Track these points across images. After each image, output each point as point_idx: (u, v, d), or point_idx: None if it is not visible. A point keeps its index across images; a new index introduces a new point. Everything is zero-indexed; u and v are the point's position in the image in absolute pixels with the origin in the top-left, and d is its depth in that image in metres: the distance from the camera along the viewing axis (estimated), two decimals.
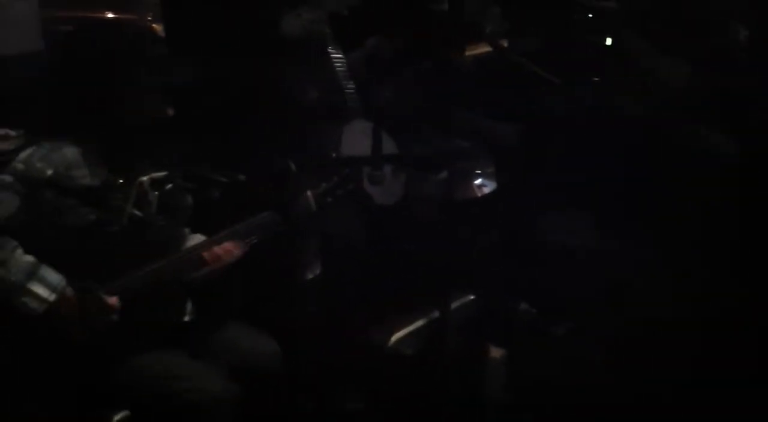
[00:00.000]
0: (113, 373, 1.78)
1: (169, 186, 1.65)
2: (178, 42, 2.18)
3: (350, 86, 2.39)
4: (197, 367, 1.82)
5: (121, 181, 1.66)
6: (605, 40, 2.56)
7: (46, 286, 1.70)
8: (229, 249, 1.83)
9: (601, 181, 2.42)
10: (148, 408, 1.80)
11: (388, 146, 2.30)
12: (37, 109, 2.41)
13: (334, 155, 2.11)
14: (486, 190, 2.32)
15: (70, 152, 1.78)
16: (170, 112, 1.79)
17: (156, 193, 1.80)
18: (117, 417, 1.79)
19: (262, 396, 1.91)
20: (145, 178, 1.66)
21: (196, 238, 1.95)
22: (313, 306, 2.09)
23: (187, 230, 1.98)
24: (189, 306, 1.93)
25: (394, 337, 2.11)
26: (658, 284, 2.39)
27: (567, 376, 2.27)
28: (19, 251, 1.71)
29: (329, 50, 2.42)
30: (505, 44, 2.41)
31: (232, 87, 2.23)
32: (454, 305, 2.25)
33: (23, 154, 1.78)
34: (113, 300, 1.74)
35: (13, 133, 2.38)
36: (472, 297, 2.28)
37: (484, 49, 2.56)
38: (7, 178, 1.74)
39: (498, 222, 2.48)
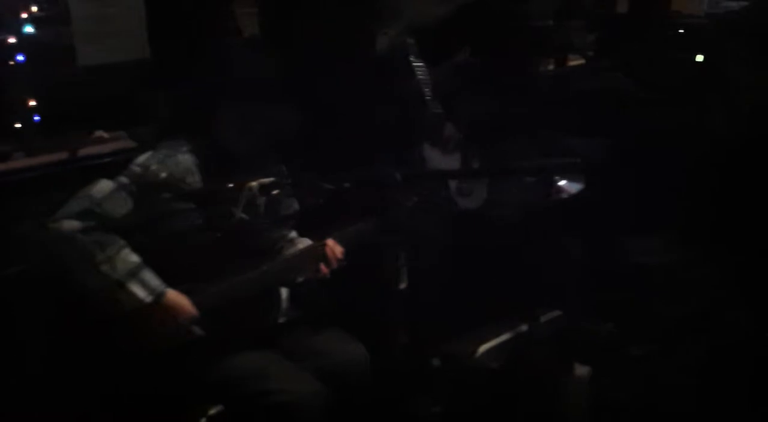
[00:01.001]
0: (209, 369, 1.84)
1: (276, 191, 1.71)
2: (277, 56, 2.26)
3: (434, 97, 2.43)
4: (290, 368, 1.88)
5: (230, 185, 1.73)
6: (696, 56, 2.54)
7: (145, 287, 1.78)
8: (331, 255, 1.90)
9: (687, 200, 2.39)
10: (240, 405, 1.85)
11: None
12: (141, 115, 2.55)
13: (426, 167, 2.16)
14: (569, 196, 2.32)
15: (184, 159, 1.87)
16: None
17: (264, 198, 1.88)
18: (211, 412, 1.86)
19: (348, 401, 1.94)
20: (254, 184, 1.73)
21: (303, 242, 2.03)
22: (399, 314, 2.12)
23: (294, 233, 2.05)
24: (284, 307, 1.99)
25: (481, 349, 2.12)
26: (743, 306, 2.34)
27: (648, 400, 2.23)
28: (126, 250, 1.79)
29: (412, 61, 2.47)
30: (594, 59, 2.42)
31: (327, 99, 2.30)
32: (541, 320, 2.25)
33: (141, 158, 1.88)
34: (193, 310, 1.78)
35: (106, 135, 2.52)
36: (557, 312, 2.28)
37: (574, 62, 2.57)
38: (124, 180, 1.84)
39: (581, 239, 2.47)
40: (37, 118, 2.61)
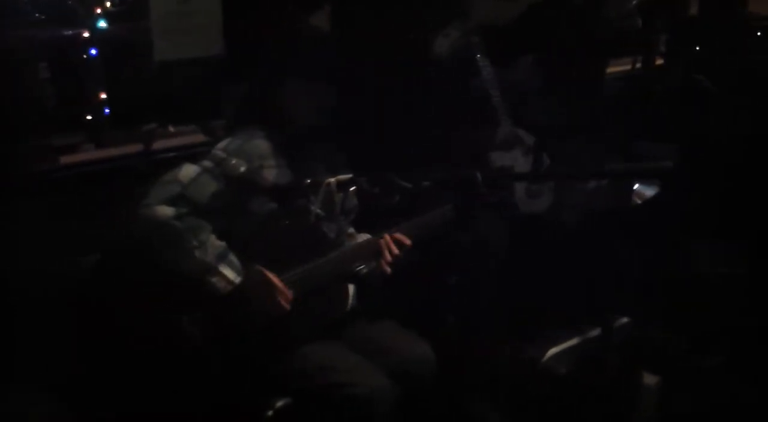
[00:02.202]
0: (278, 360, 1.85)
1: (353, 188, 1.71)
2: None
3: (501, 97, 2.41)
4: (359, 362, 1.88)
5: (308, 180, 1.75)
6: None
7: (233, 269, 1.81)
8: (399, 246, 1.89)
9: (762, 208, 2.32)
10: (308, 397, 1.85)
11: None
12: (211, 109, 2.58)
13: (497, 168, 2.14)
14: (641, 200, 2.27)
15: (262, 144, 1.92)
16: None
17: (341, 194, 1.89)
18: (279, 404, 1.85)
19: (412, 400, 1.94)
20: (332, 180, 1.74)
21: (362, 237, 2.03)
22: (461, 313, 2.11)
23: (352, 229, 2.06)
24: (352, 302, 1.99)
25: (549, 353, 2.09)
26: None
27: (717, 411, 2.17)
28: (213, 235, 1.83)
29: (478, 60, 2.45)
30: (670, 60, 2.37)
31: (393, 96, 2.31)
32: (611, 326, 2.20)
33: (222, 143, 1.92)
34: (287, 288, 1.81)
35: (172, 129, 2.56)
36: (626, 319, 2.23)
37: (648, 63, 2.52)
38: (207, 164, 1.87)
39: (651, 245, 2.42)
40: (107, 110, 2.68)
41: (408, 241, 1.92)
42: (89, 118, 2.61)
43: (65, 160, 2.49)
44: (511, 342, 2.08)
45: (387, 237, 1.91)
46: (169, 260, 1.79)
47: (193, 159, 1.90)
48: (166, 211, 1.78)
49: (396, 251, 1.89)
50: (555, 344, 2.11)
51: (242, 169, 1.83)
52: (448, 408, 2.01)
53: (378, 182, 1.59)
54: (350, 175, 1.73)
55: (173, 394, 1.83)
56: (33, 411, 1.78)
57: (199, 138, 2.55)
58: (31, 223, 2.17)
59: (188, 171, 1.85)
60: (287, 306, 1.82)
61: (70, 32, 2.60)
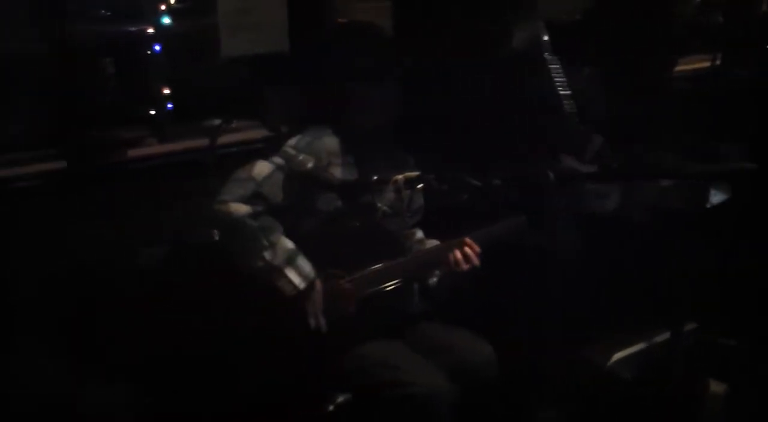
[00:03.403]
0: (341, 356, 1.86)
1: (421, 185, 1.71)
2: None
3: (568, 94, 2.37)
4: (421, 362, 1.87)
5: (375, 177, 1.75)
6: None
7: (299, 274, 1.81)
8: (469, 254, 1.88)
9: None
10: (369, 394, 1.85)
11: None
12: (273, 105, 2.61)
13: (566, 167, 2.11)
14: (712, 204, 2.20)
15: (330, 142, 1.92)
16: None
17: (408, 191, 1.88)
18: (339, 400, 1.85)
19: (473, 401, 1.92)
20: (400, 177, 1.73)
21: (431, 243, 2.02)
22: (526, 316, 2.08)
23: (420, 233, 2.05)
24: (415, 301, 1.99)
25: (614, 357, 2.05)
26: None
27: None
28: (283, 236, 1.83)
29: (547, 58, 2.42)
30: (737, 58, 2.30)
31: (458, 93, 2.29)
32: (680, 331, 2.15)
33: (292, 140, 1.92)
34: (353, 290, 1.83)
35: (217, 121, 2.58)
36: (693, 325, 2.18)
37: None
38: (279, 161, 1.88)
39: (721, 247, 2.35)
40: (170, 105, 2.73)
41: (478, 250, 1.89)
42: (152, 113, 2.67)
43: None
44: (576, 346, 2.04)
45: (461, 248, 1.88)
46: (239, 257, 1.80)
47: (264, 155, 1.91)
48: (242, 208, 1.79)
49: (474, 262, 1.87)
50: (621, 348, 2.07)
51: (309, 165, 1.83)
52: (508, 411, 1.99)
53: (447, 180, 1.58)
54: (418, 173, 1.73)
55: (237, 385, 1.86)
56: (105, 398, 1.82)
57: (261, 134, 2.60)
58: (98, 215, 2.23)
59: (262, 168, 1.85)
60: (352, 310, 1.83)
61: (135, 28, 2.65)
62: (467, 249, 1.88)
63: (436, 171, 1.60)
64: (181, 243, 2.06)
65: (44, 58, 2.38)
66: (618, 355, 2.03)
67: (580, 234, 2.14)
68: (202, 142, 2.57)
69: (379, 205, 1.85)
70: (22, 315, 1.96)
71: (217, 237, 1.85)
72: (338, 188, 1.83)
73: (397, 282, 1.85)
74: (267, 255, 1.78)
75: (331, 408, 1.84)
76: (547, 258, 2.10)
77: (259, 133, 2.54)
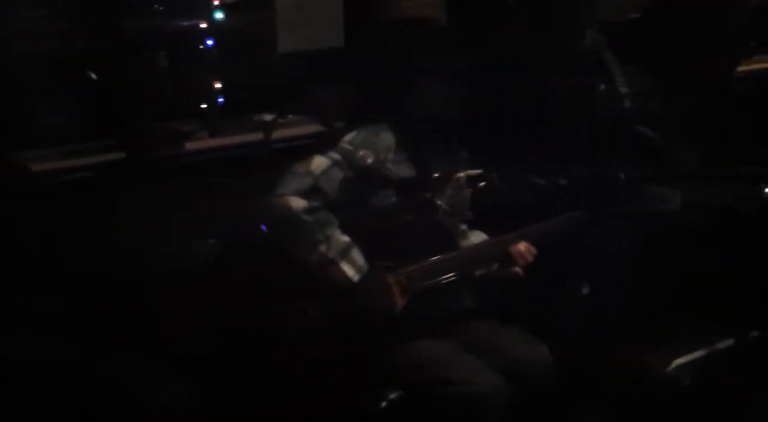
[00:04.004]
0: (394, 353, 1.84)
1: (483, 183, 1.68)
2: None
3: (628, 93, 2.33)
4: (472, 361, 1.84)
5: (436, 174, 1.73)
6: None
7: (353, 267, 1.82)
8: (523, 250, 1.85)
9: None
10: (419, 392, 1.83)
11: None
12: (324, 102, 2.61)
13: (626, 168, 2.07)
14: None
15: (387, 137, 1.91)
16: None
17: (470, 189, 1.87)
18: (392, 396, 1.83)
19: (526, 402, 1.89)
20: (462, 174, 1.71)
21: (477, 235, 2.00)
22: (582, 319, 2.04)
23: (464, 226, 2.02)
24: (467, 299, 1.95)
25: (674, 364, 1.99)
26: None
27: None
28: (339, 230, 1.83)
29: (606, 58, 2.38)
30: None
31: (517, 92, 2.26)
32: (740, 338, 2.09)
33: (348, 136, 1.93)
34: (407, 283, 1.81)
35: (268, 116, 2.59)
36: (757, 332, 2.11)
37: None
38: (336, 156, 1.88)
39: None
40: (221, 99, 2.74)
41: (534, 248, 1.86)
42: (203, 106, 2.68)
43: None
44: (635, 351, 2.00)
45: (518, 243, 1.85)
46: (294, 250, 1.81)
47: (320, 151, 1.90)
48: (299, 203, 1.80)
49: (529, 258, 1.85)
50: (681, 355, 2.01)
51: (370, 160, 1.83)
52: (561, 414, 1.96)
53: (511, 179, 1.55)
54: (480, 171, 1.70)
55: (289, 379, 1.85)
56: (162, 386, 1.84)
57: (313, 129, 2.59)
58: (155, 207, 2.25)
59: (319, 163, 1.86)
60: (404, 304, 1.81)
61: (188, 23, 2.68)
62: (521, 246, 1.85)
63: (499, 169, 1.57)
64: (236, 236, 2.07)
65: (101, 52, 2.42)
66: (678, 362, 1.98)
67: (641, 236, 2.10)
68: (255, 136, 2.60)
69: (439, 202, 1.84)
70: (78, 308, 1.99)
71: (272, 231, 1.86)
72: (397, 184, 1.82)
73: (449, 277, 1.84)
74: (322, 248, 1.79)
75: (383, 404, 1.83)
76: (607, 259, 2.07)
77: (311, 128, 2.55)
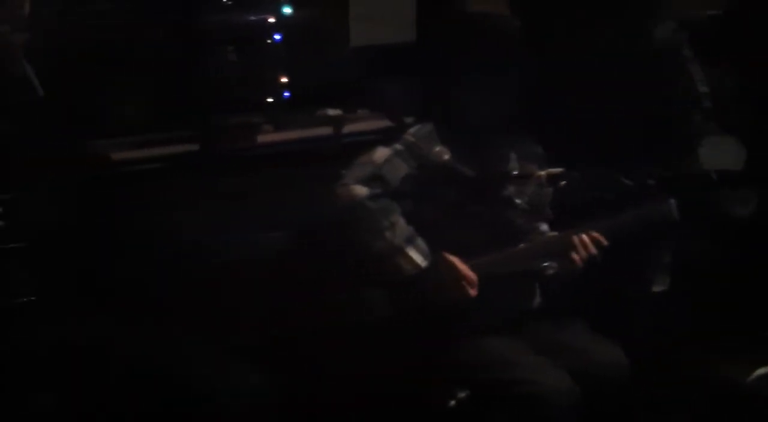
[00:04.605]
0: (460, 350, 1.81)
1: (564, 182, 1.64)
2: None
3: (707, 92, 2.25)
4: (541, 361, 1.81)
5: (515, 172, 1.70)
6: None
7: (420, 253, 1.81)
8: (592, 245, 1.79)
9: None
10: (487, 391, 1.80)
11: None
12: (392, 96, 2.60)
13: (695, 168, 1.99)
14: None
15: (452, 132, 1.88)
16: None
17: (549, 188, 1.84)
18: (462, 395, 1.80)
19: (598, 405, 1.84)
20: (542, 173, 1.68)
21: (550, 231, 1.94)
22: (655, 321, 1.98)
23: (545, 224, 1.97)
24: (537, 299, 1.93)
25: (756, 373, 1.91)
26: None
27: None
28: (402, 218, 1.83)
29: (685, 54, 2.30)
30: None
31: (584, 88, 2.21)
32: None
33: (412, 129, 1.93)
34: (474, 274, 1.79)
35: (340, 113, 2.58)
36: None
37: None
38: (399, 147, 1.88)
39: None
40: (287, 94, 2.76)
41: (604, 241, 1.81)
42: (269, 100, 2.70)
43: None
44: (713, 359, 1.92)
45: (582, 234, 1.80)
46: (360, 238, 1.81)
47: (385, 142, 1.91)
48: (362, 190, 1.81)
49: (592, 250, 1.79)
50: (764, 364, 1.93)
51: (446, 156, 1.81)
52: (632, 418, 1.90)
53: (595, 178, 1.50)
54: (562, 169, 1.66)
55: (357, 371, 1.84)
56: (229, 376, 1.85)
57: (380, 124, 2.56)
58: (223, 198, 2.28)
59: (382, 153, 1.88)
60: (473, 292, 1.79)
61: (256, 17, 2.70)
62: (584, 237, 1.79)
63: (585, 168, 1.52)
64: (304, 227, 2.08)
65: (172, 44, 2.46)
66: (760, 371, 1.89)
67: (719, 239, 2.02)
68: (321, 130, 2.60)
69: (518, 201, 1.81)
70: (152, 298, 2.02)
71: (337, 219, 1.86)
72: (473, 180, 1.79)
73: (516, 270, 1.81)
74: (388, 234, 1.79)
75: (452, 403, 1.79)
76: (683, 261, 2.00)
77: (379, 123, 2.52)
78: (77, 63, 2.29)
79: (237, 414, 1.81)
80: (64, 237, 1.93)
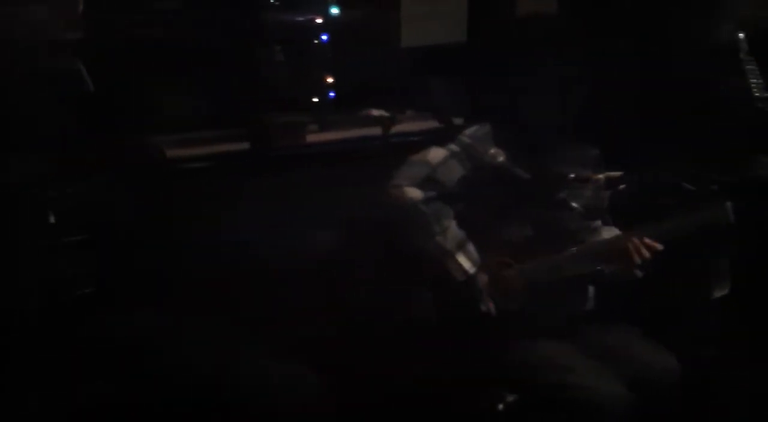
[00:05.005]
0: (510, 352, 1.78)
1: (623, 186, 1.62)
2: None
3: (764, 99, 2.20)
4: (593, 365, 1.75)
5: (572, 175, 1.68)
6: None
7: (469, 259, 1.78)
8: (642, 245, 1.73)
9: None
10: (538, 394, 1.76)
11: None
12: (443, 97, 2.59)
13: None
14: None
15: (509, 134, 1.85)
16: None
17: (608, 191, 1.81)
18: (511, 398, 1.76)
19: (646, 411, 1.81)
20: (601, 176, 1.66)
21: (610, 231, 1.91)
22: (716, 327, 1.93)
23: (599, 222, 1.93)
24: (590, 303, 1.89)
25: None
26: None
27: None
28: (454, 222, 1.81)
29: (743, 59, 2.26)
30: None
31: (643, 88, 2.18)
32: None
33: (469, 130, 1.89)
34: (523, 280, 1.78)
35: (386, 114, 2.59)
36: None
37: None
38: (455, 148, 1.85)
39: None
40: (332, 94, 2.77)
41: (659, 246, 1.75)
42: (315, 100, 2.72)
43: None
44: None
45: (639, 239, 1.74)
46: (411, 241, 1.79)
47: (439, 143, 1.88)
48: (415, 193, 1.79)
49: (648, 255, 1.73)
50: None
51: (501, 158, 1.77)
52: None
53: (656, 183, 1.48)
54: (621, 173, 1.64)
55: (406, 372, 1.83)
56: (280, 373, 1.86)
57: (426, 125, 2.57)
58: (273, 197, 2.29)
59: (437, 153, 1.84)
60: (520, 300, 1.77)
61: (304, 18, 2.71)
62: (638, 241, 1.73)
63: (646, 172, 1.50)
64: (353, 227, 2.08)
65: (220, 44, 2.48)
66: None
67: None
68: (367, 130, 2.60)
69: (574, 204, 1.77)
70: (201, 294, 2.03)
71: (388, 220, 1.85)
72: (522, 181, 1.75)
73: (570, 274, 1.77)
74: (439, 239, 1.76)
75: (500, 406, 1.76)
76: (743, 266, 1.94)
77: (427, 123, 2.53)
78: (128, 60, 2.32)
79: (287, 413, 1.81)
80: (119, 231, 1.96)
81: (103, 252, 1.94)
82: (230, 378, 1.86)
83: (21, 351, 1.79)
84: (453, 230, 1.79)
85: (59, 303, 1.84)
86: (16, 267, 1.83)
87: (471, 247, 1.79)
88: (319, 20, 2.68)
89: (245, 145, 2.42)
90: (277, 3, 2.71)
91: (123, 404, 1.76)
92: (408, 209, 1.78)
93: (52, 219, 1.89)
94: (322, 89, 2.67)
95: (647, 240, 1.74)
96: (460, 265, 1.77)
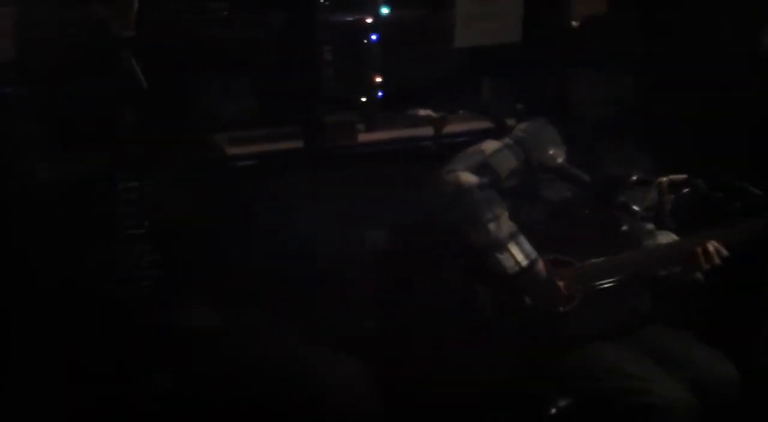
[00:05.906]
0: (565, 355, 1.76)
1: (687, 190, 1.61)
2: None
3: None
4: (656, 370, 1.72)
5: (634, 178, 1.67)
6: None
7: (522, 251, 1.75)
8: (711, 251, 1.71)
9: None
10: (595, 399, 1.73)
11: None
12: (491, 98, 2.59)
13: None
14: None
15: (560, 133, 1.85)
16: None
17: (671, 195, 1.77)
18: (563, 403, 1.75)
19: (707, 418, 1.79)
20: (664, 179, 1.65)
21: (666, 235, 1.88)
22: None
23: (651, 224, 1.91)
24: (649, 307, 1.85)
25: None
26: None
27: None
28: (507, 213, 1.78)
29: None
30: None
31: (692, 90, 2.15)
32: None
33: (522, 125, 1.90)
34: (581, 280, 1.74)
35: (434, 114, 2.60)
36: None
37: None
38: (509, 140, 1.85)
39: None
40: (380, 94, 2.78)
41: (725, 251, 1.73)
42: (363, 100, 2.73)
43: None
44: None
45: (704, 243, 1.73)
46: (463, 228, 1.77)
47: (493, 137, 1.88)
48: (470, 177, 1.77)
49: (716, 260, 1.71)
50: None
51: (560, 160, 1.75)
52: None
53: (721, 187, 1.46)
54: (685, 176, 1.62)
55: (459, 370, 1.82)
56: (337, 369, 1.88)
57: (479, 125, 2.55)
58: (324, 195, 2.32)
59: (491, 144, 1.84)
60: (576, 302, 1.73)
61: (354, 17, 2.73)
62: (707, 247, 1.71)
63: (713, 176, 1.48)
64: (404, 225, 2.09)
65: (271, 43, 2.52)
66: None
67: None
68: (415, 131, 2.61)
69: (635, 207, 1.73)
70: (254, 292, 2.06)
71: (441, 206, 1.81)
72: (582, 182, 1.73)
73: (626, 278, 1.74)
74: (492, 226, 1.74)
75: (553, 411, 1.74)
76: None
77: (477, 124, 2.51)
78: (182, 59, 2.36)
79: (339, 409, 1.83)
80: (179, 226, 2.00)
81: (162, 245, 1.98)
82: (285, 374, 1.89)
83: (84, 341, 1.84)
84: (505, 220, 1.76)
85: (123, 294, 1.89)
86: (83, 258, 1.88)
87: (524, 240, 1.76)
88: (369, 20, 2.68)
89: (308, 143, 2.42)
90: (327, 3, 2.74)
91: (181, 396, 1.80)
92: (462, 193, 1.76)
93: (115, 212, 1.94)
94: (370, 89, 2.69)
95: (716, 245, 1.72)
96: (513, 256, 1.73)
